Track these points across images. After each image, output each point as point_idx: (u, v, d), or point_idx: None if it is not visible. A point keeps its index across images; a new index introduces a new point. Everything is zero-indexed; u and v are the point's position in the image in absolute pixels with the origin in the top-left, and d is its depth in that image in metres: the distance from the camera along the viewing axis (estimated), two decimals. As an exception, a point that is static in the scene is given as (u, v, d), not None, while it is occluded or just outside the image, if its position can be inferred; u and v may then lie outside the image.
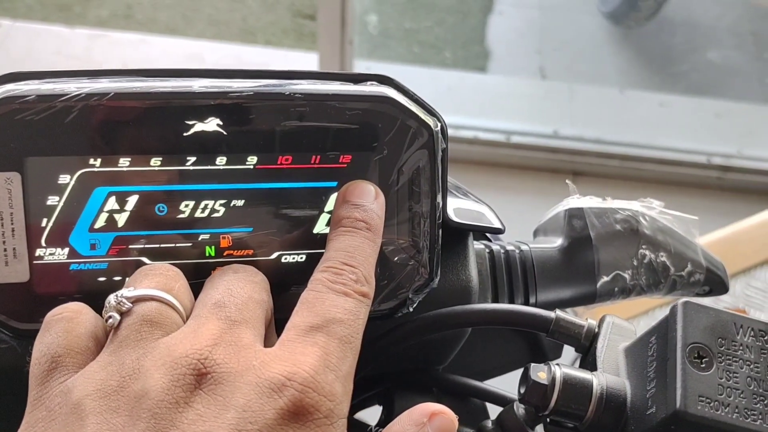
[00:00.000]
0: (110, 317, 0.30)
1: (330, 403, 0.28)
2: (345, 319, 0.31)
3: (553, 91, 2.27)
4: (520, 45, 2.45)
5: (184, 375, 0.27)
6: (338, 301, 0.31)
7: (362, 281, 0.33)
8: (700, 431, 0.30)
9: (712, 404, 0.29)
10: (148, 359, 0.28)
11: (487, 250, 0.46)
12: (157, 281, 0.32)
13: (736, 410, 0.30)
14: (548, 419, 0.35)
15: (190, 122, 0.36)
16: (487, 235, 0.51)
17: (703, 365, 0.31)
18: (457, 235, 0.43)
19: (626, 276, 0.47)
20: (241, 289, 0.32)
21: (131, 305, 0.30)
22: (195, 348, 0.28)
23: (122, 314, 0.30)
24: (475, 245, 0.45)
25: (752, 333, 0.32)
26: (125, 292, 0.31)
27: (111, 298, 0.31)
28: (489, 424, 0.37)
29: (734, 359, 0.31)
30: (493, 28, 2.45)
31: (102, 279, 0.36)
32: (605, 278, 0.47)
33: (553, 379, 0.34)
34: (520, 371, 0.54)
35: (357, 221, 0.35)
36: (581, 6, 2.58)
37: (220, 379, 0.27)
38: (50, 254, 0.36)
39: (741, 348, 0.31)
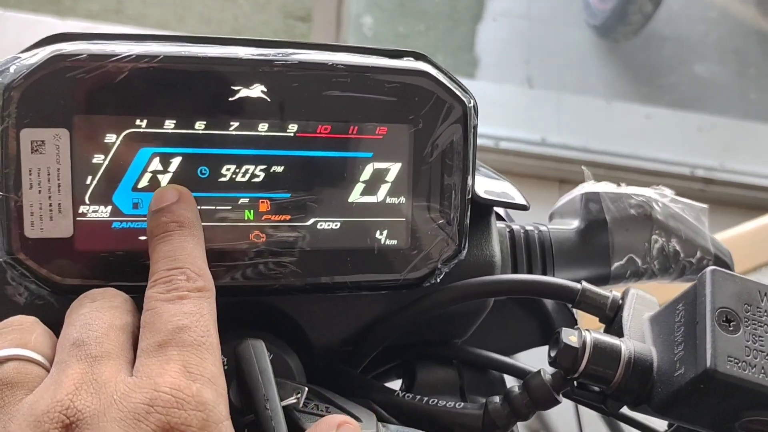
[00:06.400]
0: None
1: (200, 413, 0.28)
2: (189, 324, 0.30)
3: (541, 100, 2.29)
4: (508, 54, 2.48)
5: (50, 431, 0.27)
6: (176, 308, 0.31)
7: (194, 278, 0.32)
8: (728, 389, 0.31)
9: (739, 364, 0.31)
10: (14, 424, 0.27)
11: (508, 229, 0.47)
12: (11, 339, 0.31)
13: (762, 371, 0.31)
14: (576, 383, 0.36)
15: (236, 88, 0.37)
16: (503, 216, 0.52)
17: (731, 328, 0.32)
18: (481, 211, 0.44)
19: (638, 260, 0.49)
20: (99, 320, 0.31)
21: None
22: (56, 400, 0.27)
23: None
24: (497, 224, 0.46)
25: (776, 301, 0.33)
26: None
27: None
28: (516, 389, 0.38)
29: (759, 324, 0.33)
30: (483, 36, 2.48)
31: (143, 238, 0.37)
32: (619, 261, 0.48)
33: (584, 343, 0.35)
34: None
35: (167, 224, 0.34)
36: (569, 18, 2.62)
37: (85, 424, 0.27)
38: (93, 211, 0.36)
39: (765, 314, 0.33)
